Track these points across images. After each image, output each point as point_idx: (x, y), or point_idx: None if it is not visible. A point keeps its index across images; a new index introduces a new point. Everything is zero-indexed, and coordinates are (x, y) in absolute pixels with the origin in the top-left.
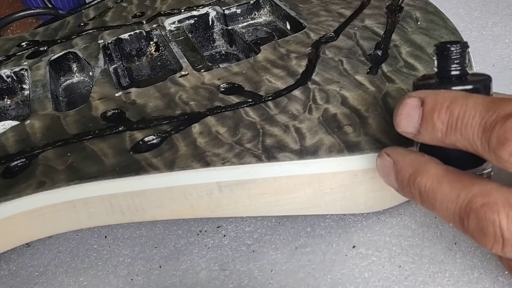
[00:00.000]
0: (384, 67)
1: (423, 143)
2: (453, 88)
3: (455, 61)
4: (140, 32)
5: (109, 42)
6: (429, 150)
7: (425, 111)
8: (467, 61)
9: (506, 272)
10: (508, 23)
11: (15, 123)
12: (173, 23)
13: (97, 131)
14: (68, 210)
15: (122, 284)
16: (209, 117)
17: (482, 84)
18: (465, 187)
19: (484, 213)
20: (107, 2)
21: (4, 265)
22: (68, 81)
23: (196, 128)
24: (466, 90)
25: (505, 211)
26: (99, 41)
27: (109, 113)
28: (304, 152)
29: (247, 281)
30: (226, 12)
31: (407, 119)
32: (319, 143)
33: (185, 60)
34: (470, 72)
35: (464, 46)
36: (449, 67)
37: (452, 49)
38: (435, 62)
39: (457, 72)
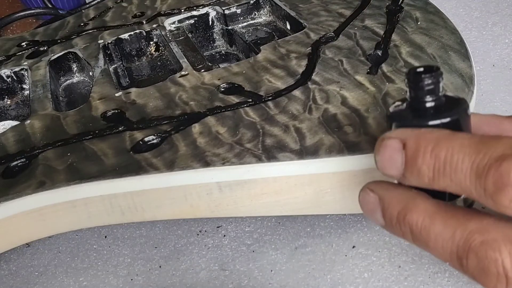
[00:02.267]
0: (384, 67)
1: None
2: (430, 123)
3: (429, 92)
4: (140, 32)
5: (109, 42)
6: None
7: (408, 155)
8: (441, 89)
9: None
10: (508, 23)
11: (15, 123)
12: (173, 23)
13: (97, 131)
14: (68, 210)
15: (122, 284)
16: (209, 117)
17: (460, 113)
18: (460, 223)
19: (485, 252)
20: (107, 2)
21: (4, 265)
22: (68, 81)
23: (196, 128)
24: (444, 123)
25: (507, 249)
26: (99, 41)
27: (109, 113)
28: (304, 152)
29: (247, 281)
30: (226, 12)
31: (390, 162)
32: (319, 143)
33: (185, 60)
34: (444, 94)
35: (438, 74)
36: (423, 99)
37: (425, 81)
38: (407, 91)
39: (432, 104)
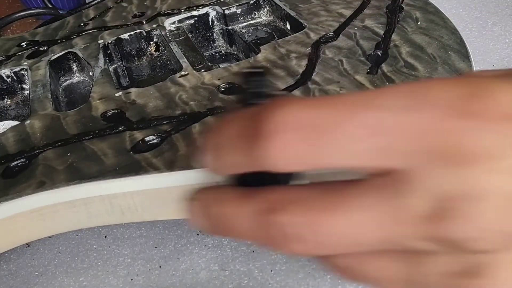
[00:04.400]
0: (384, 67)
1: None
2: None
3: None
4: (140, 32)
5: (109, 42)
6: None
7: None
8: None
9: None
10: (508, 23)
11: (15, 123)
12: (173, 23)
13: (97, 131)
14: (68, 210)
15: (122, 284)
16: (209, 117)
17: None
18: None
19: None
20: (107, 2)
21: (4, 265)
22: (68, 81)
23: (196, 128)
24: None
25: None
26: (99, 41)
27: (109, 113)
28: None
29: (247, 281)
30: (226, 12)
31: None
32: None
33: (185, 60)
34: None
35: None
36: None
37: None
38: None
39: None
